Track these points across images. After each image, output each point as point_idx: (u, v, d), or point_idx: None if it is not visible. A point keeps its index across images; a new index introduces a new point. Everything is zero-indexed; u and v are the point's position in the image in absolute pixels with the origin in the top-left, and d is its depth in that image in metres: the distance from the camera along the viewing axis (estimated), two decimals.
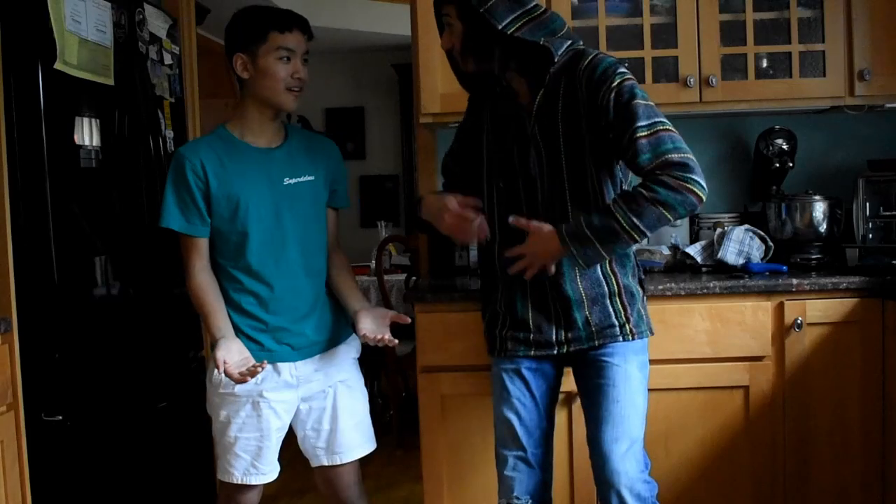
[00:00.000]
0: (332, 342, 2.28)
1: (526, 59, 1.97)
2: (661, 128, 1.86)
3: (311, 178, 2.22)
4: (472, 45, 1.98)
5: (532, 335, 2.07)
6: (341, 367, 2.29)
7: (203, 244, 2.16)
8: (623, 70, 1.92)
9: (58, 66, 2.31)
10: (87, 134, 2.48)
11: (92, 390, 2.45)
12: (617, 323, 2.02)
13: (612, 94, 1.89)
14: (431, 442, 2.48)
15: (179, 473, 2.88)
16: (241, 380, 2.06)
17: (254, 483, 2.24)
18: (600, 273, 2.02)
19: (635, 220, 1.82)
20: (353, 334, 2.33)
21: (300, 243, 2.20)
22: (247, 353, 2.11)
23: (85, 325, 2.45)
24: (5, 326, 2.20)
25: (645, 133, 1.85)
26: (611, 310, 2.02)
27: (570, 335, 2.04)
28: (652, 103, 1.91)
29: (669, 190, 1.81)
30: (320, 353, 2.25)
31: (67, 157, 2.39)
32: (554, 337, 2.05)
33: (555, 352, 2.06)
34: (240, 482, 2.23)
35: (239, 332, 2.16)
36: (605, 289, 2.02)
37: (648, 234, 1.85)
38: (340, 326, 2.31)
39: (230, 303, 2.17)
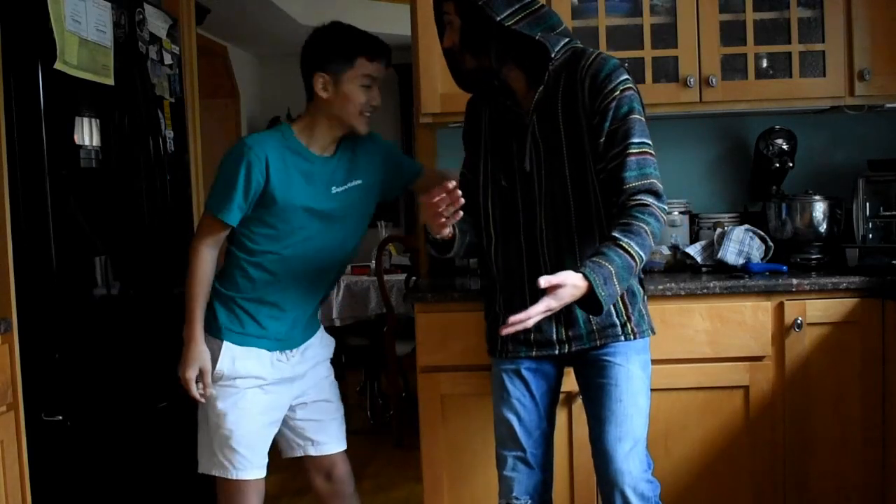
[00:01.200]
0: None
1: (523, 55, 1.97)
2: (648, 150, 1.92)
3: (360, 181, 2.26)
4: (471, 40, 1.98)
5: (532, 335, 2.05)
6: (324, 366, 2.38)
7: (224, 232, 2.18)
8: (626, 76, 1.94)
9: (58, 66, 2.31)
10: (87, 134, 2.48)
11: (92, 390, 2.45)
12: (618, 322, 2.02)
13: (614, 102, 1.91)
14: (431, 442, 2.48)
15: (179, 473, 2.88)
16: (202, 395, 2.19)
17: (246, 478, 2.25)
18: None
19: (643, 253, 1.85)
20: (328, 335, 2.43)
21: (331, 251, 2.25)
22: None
23: (85, 325, 2.45)
24: (5, 326, 2.21)
25: (635, 151, 1.90)
26: (612, 308, 2.01)
27: (570, 333, 2.03)
28: (644, 118, 1.95)
29: (657, 221, 1.88)
30: (310, 337, 2.34)
31: (67, 157, 2.39)
32: (555, 336, 2.04)
33: (556, 351, 2.05)
34: (235, 478, 2.24)
35: (254, 319, 2.21)
36: None
37: None
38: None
39: (255, 289, 2.20)
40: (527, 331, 2.04)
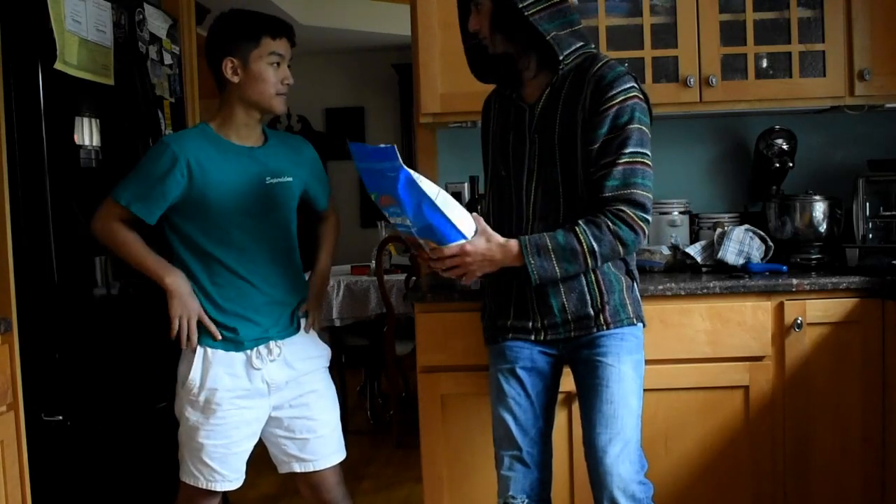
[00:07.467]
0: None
1: (541, 47, 1.98)
2: (641, 159, 1.93)
3: (290, 179, 2.25)
4: (500, 24, 1.98)
5: (510, 321, 2.09)
6: (313, 377, 2.29)
7: (127, 219, 2.16)
8: (633, 84, 1.95)
9: (58, 66, 2.31)
10: (87, 134, 2.48)
11: (92, 390, 2.45)
12: (592, 312, 2.02)
13: (613, 110, 1.92)
14: (431, 442, 2.48)
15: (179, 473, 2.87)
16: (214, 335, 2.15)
17: (219, 490, 2.23)
18: None
19: (595, 245, 1.91)
20: (325, 345, 2.36)
21: (276, 240, 2.22)
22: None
23: (85, 325, 2.45)
24: (5, 326, 2.20)
25: (625, 161, 1.92)
26: (588, 297, 2.02)
27: (545, 322, 2.05)
28: (646, 127, 1.96)
29: (629, 229, 1.92)
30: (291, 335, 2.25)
31: (67, 157, 2.39)
32: (531, 324, 2.06)
33: (532, 338, 2.07)
34: (205, 487, 2.22)
35: (214, 321, 2.17)
36: (582, 276, 2.01)
37: (599, 263, 1.94)
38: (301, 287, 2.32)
39: (209, 292, 2.18)
40: (506, 318, 2.09)
